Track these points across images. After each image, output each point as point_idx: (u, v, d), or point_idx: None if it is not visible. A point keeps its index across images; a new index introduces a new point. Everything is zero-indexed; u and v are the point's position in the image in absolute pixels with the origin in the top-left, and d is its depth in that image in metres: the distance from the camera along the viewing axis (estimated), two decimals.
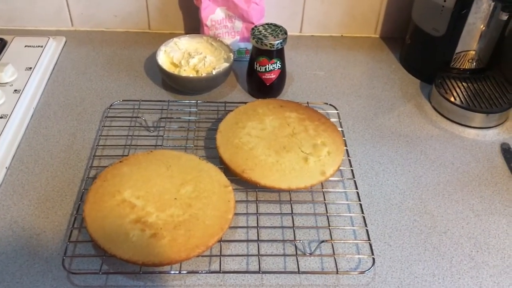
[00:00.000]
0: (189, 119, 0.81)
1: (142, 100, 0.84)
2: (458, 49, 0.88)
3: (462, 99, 0.85)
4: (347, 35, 1.07)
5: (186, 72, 0.86)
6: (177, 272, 0.60)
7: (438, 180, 0.75)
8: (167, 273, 0.60)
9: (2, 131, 0.75)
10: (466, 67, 0.90)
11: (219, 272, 0.60)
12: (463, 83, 0.88)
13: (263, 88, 0.86)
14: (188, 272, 0.60)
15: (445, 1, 0.84)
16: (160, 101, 0.85)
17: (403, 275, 0.62)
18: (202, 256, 0.61)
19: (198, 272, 0.60)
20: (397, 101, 0.90)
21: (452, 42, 0.88)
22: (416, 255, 0.64)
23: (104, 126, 0.80)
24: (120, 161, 0.68)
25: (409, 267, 0.63)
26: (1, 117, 0.77)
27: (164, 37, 0.93)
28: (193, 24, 1.02)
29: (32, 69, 0.89)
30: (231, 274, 0.61)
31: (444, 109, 0.86)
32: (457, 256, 0.64)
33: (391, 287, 0.60)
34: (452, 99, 0.85)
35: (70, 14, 1.02)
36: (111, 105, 0.83)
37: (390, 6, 1.02)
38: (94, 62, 0.95)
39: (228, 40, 0.94)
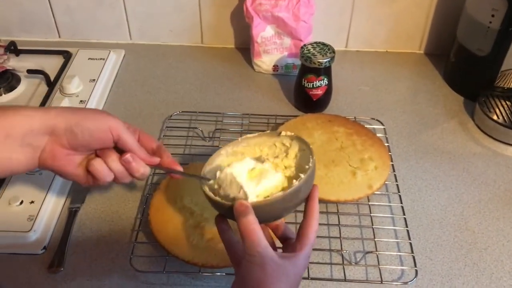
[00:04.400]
0: (242, 130, 0.86)
1: (199, 112, 0.89)
2: (502, 68, 0.90)
3: (505, 118, 0.87)
4: (391, 51, 1.09)
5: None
6: (232, 274, 0.65)
7: (479, 197, 0.77)
8: (223, 274, 0.65)
9: None
10: (510, 86, 0.92)
11: None
12: (507, 102, 0.90)
13: (310, 103, 0.90)
14: None
15: (490, 22, 0.86)
16: (215, 112, 0.89)
17: None
18: None
19: None
20: (440, 118, 0.92)
21: (497, 62, 0.89)
22: (457, 269, 0.67)
23: (165, 136, 0.85)
24: None
25: (449, 281, 0.66)
26: None
27: (216, 51, 0.97)
28: (243, 39, 1.06)
29: (95, 81, 0.95)
30: None
31: (487, 127, 0.88)
32: (497, 272, 0.67)
33: None
34: (495, 117, 0.87)
35: (129, 28, 1.09)
36: (171, 115, 0.89)
37: (435, 23, 1.04)
38: (151, 74, 1.01)
39: (276, 55, 0.98)
